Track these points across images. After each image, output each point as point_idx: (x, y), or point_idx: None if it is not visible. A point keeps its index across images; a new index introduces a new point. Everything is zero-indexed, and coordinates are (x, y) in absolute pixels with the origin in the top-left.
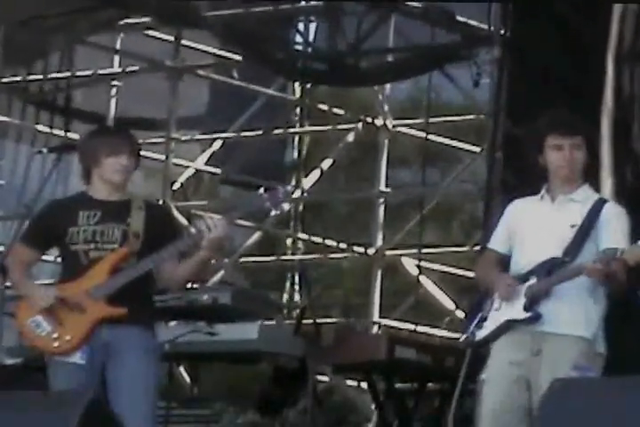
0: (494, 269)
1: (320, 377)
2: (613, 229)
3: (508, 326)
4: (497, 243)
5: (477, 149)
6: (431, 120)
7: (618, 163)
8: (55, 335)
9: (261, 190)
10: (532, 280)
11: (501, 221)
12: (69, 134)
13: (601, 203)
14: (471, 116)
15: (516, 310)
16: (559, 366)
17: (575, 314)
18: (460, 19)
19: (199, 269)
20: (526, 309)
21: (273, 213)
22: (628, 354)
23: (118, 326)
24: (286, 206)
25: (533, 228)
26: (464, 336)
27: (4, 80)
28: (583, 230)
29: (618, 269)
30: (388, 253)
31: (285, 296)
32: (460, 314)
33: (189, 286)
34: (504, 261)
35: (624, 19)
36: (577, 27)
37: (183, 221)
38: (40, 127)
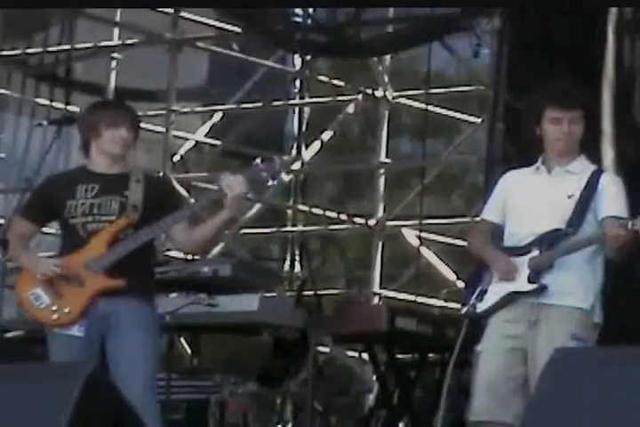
0: (488, 242)
1: (321, 348)
2: (612, 198)
3: (512, 297)
4: (490, 213)
5: (478, 120)
6: (431, 91)
7: (619, 134)
8: (54, 308)
9: (258, 161)
10: (535, 252)
11: (495, 192)
12: (69, 107)
13: (598, 173)
14: (471, 87)
15: (520, 282)
16: (557, 336)
17: (574, 285)
18: None
19: (221, 229)
20: (531, 280)
21: (270, 183)
22: (625, 325)
23: (117, 298)
24: (283, 176)
25: (529, 199)
26: (465, 309)
27: (4, 53)
28: (583, 201)
29: (625, 236)
30: (389, 224)
31: (286, 268)
32: (461, 285)
33: (190, 257)
34: (497, 232)
35: None
36: None
37: (183, 192)
38: (40, 100)
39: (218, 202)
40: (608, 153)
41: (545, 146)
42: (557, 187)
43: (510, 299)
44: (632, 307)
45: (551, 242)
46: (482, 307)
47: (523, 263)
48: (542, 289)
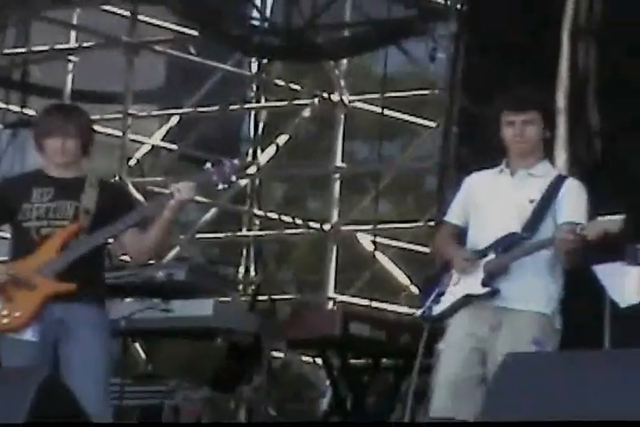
0: (451, 242)
1: (275, 353)
2: (573, 204)
3: (466, 300)
4: (453, 215)
5: (434, 125)
6: (387, 95)
7: (572, 137)
8: (5, 312)
9: (208, 165)
10: (491, 255)
11: (458, 194)
12: (26, 110)
13: (561, 178)
14: (427, 91)
15: (475, 285)
16: (518, 341)
17: (535, 290)
18: None
19: (164, 233)
20: (484, 284)
21: (220, 187)
22: (582, 330)
23: (70, 303)
24: (235, 180)
25: (491, 202)
26: (420, 311)
27: None
28: (542, 206)
29: (575, 241)
30: (344, 228)
31: (241, 272)
32: (415, 289)
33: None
34: (460, 234)
35: None
36: (533, 1)
37: (139, 197)
38: None
39: None
40: (561, 156)
41: (507, 149)
42: (520, 190)
43: (464, 302)
44: (587, 310)
45: (507, 246)
46: (437, 309)
47: (479, 266)
48: (494, 293)
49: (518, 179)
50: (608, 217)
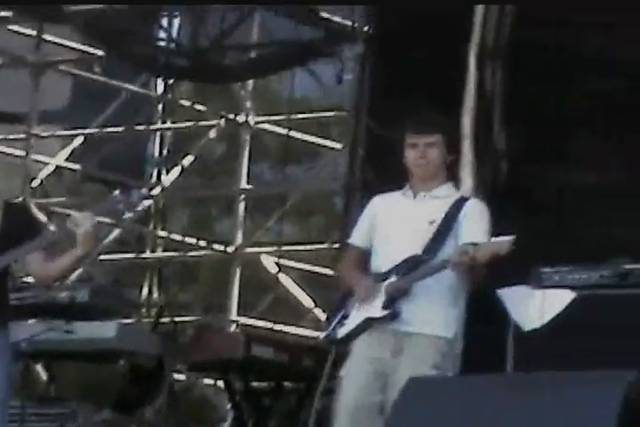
0: (353, 267)
1: (177, 376)
2: (474, 225)
3: (368, 323)
4: (357, 238)
5: (340, 146)
6: (294, 117)
7: (478, 161)
8: None
9: (116, 192)
10: (392, 278)
11: (362, 216)
12: None
13: (463, 200)
14: (334, 113)
15: (376, 308)
16: (419, 365)
17: (437, 314)
18: (323, 15)
19: (73, 266)
20: (385, 307)
21: (126, 215)
22: (485, 353)
23: None
24: (140, 207)
25: (394, 224)
26: (325, 334)
27: None
28: (443, 227)
29: (479, 264)
30: (248, 250)
31: (144, 294)
32: (319, 312)
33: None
34: (365, 257)
35: (486, 16)
36: (440, 24)
37: (43, 218)
38: None
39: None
40: (467, 180)
41: (410, 172)
42: (421, 212)
43: (366, 325)
44: (491, 334)
45: (408, 268)
46: (342, 332)
47: (381, 289)
48: (394, 315)
49: (420, 201)
50: (498, 238)
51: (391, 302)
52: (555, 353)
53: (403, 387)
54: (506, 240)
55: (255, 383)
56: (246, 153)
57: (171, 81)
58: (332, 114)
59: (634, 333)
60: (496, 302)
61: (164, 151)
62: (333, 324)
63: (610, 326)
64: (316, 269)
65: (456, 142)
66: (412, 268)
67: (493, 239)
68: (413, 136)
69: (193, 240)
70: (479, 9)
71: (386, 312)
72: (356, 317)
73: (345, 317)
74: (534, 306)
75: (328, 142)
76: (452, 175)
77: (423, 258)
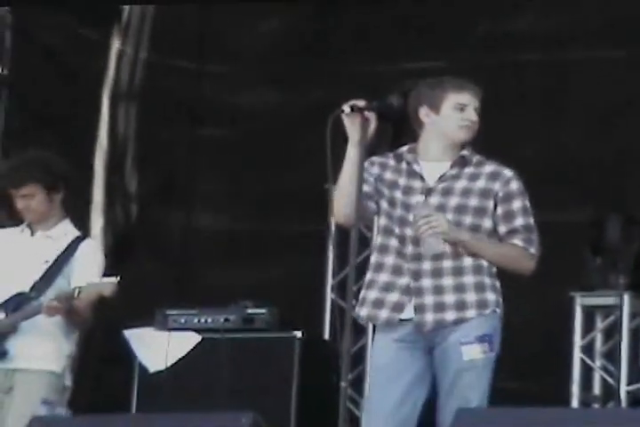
0: None
1: None
2: (87, 266)
3: None
4: None
5: None
6: None
7: (110, 202)
8: None
9: None
10: (1, 315)
11: None
12: None
13: (78, 240)
14: None
15: None
16: (29, 401)
17: (47, 349)
18: None
19: None
20: None
21: None
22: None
23: None
24: None
25: (9, 260)
26: None
27: None
28: (54, 266)
29: (80, 306)
30: None
31: None
32: None
33: None
34: None
35: (120, 58)
36: (74, 66)
37: None
38: None
39: None
40: (98, 220)
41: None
42: (36, 250)
43: None
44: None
45: (15, 306)
46: None
47: None
48: (3, 354)
49: (37, 239)
50: (103, 280)
51: (0, 340)
52: (179, 394)
53: None
54: (109, 281)
55: None
56: None
57: None
58: None
59: (256, 374)
60: (123, 343)
61: None
62: None
63: (234, 368)
64: None
65: (55, 184)
66: (18, 305)
67: (98, 280)
68: (12, 190)
69: None
70: (114, 49)
71: None
72: None
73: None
74: (160, 348)
75: None
76: (78, 217)
77: (29, 296)
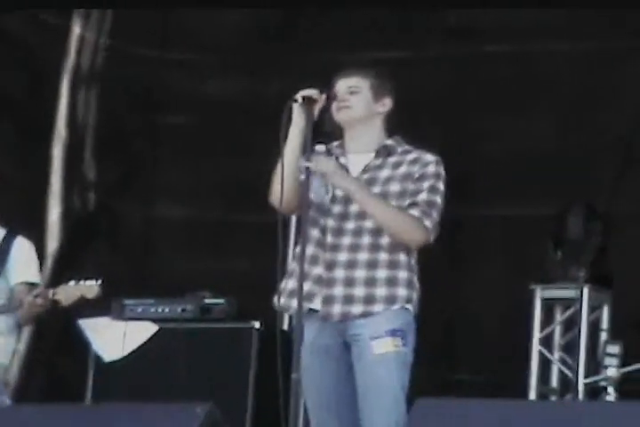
0: None
1: None
2: (25, 265)
3: None
4: None
5: None
6: None
7: (67, 190)
8: None
9: None
10: None
11: None
12: None
13: (11, 238)
14: None
15: None
16: None
17: None
18: None
19: None
20: None
21: None
22: (69, 384)
23: None
24: None
25: None
26: None
27: None
28: None
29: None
30: None
31: None
32: None
33: None
34: None
35: (81, 43)
36: (33, 51)
37: None
38: None
39: None
40: (55, 208)
41: None
42: None
43: None
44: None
45: None
46: None
47: None
48: None
49: None
50: (86, 282)
51: None
52: (135, 384)
53: None
54: (94, 285)
55: None
56: None
57: None
58: None
59: (212, 365)
60: (79, 333)
61: None
62: None
63: (191, 358)
64: None
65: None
66: None
67: (81, 283)
68: None
69: None
70: (74, 34)
71: None
72: None
73: None
74: (116, 338)
75: None
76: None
77: None
